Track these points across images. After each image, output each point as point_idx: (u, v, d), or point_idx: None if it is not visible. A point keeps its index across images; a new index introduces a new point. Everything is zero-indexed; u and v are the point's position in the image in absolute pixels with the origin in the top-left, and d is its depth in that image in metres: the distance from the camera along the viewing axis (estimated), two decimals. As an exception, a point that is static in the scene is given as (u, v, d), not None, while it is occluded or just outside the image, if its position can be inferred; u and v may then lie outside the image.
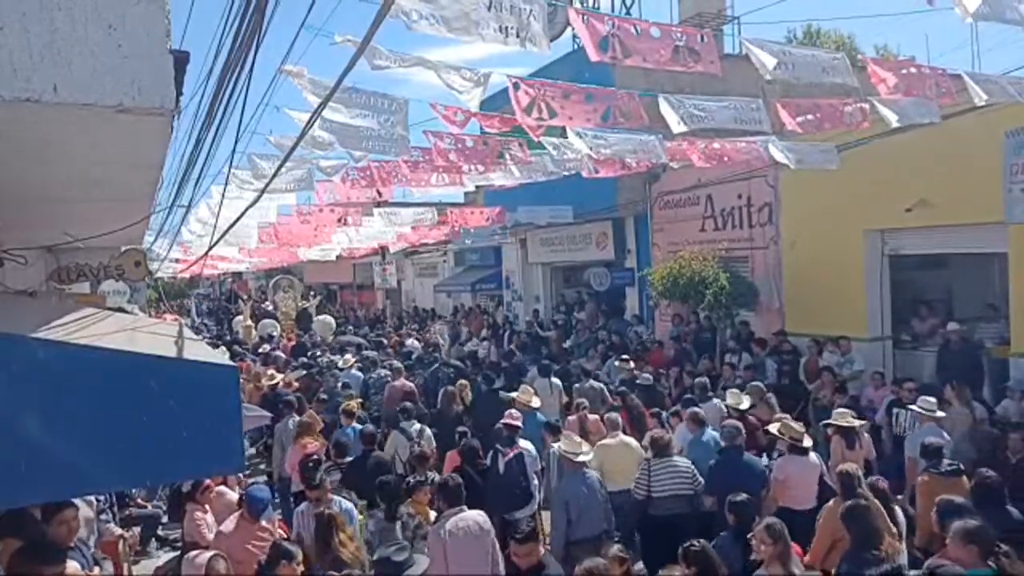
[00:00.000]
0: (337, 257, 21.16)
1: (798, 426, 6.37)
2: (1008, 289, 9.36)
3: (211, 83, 4.16)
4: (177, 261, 19.21)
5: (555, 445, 6.66)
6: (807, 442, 6.19)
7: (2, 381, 2.19)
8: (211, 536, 6.01)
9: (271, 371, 11.68)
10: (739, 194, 13.25)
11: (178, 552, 6.90)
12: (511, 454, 6.73)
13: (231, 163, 6.33)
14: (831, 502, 5.27)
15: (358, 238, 16.36)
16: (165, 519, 8.46)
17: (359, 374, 11.49)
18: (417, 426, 7.91)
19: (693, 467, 6.21)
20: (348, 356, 12.92)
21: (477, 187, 14.53)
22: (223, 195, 7.86)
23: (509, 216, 16.16)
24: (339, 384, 10.69)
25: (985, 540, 4.11)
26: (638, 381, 9.38)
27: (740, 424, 6.57)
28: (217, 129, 4.54)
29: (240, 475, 7.57)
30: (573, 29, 5.69)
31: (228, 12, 3.37)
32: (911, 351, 11.18)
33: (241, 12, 3.08)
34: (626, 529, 6.34)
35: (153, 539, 8.33)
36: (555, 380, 10.00)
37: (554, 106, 6.19)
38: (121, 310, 6.01)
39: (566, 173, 9.93)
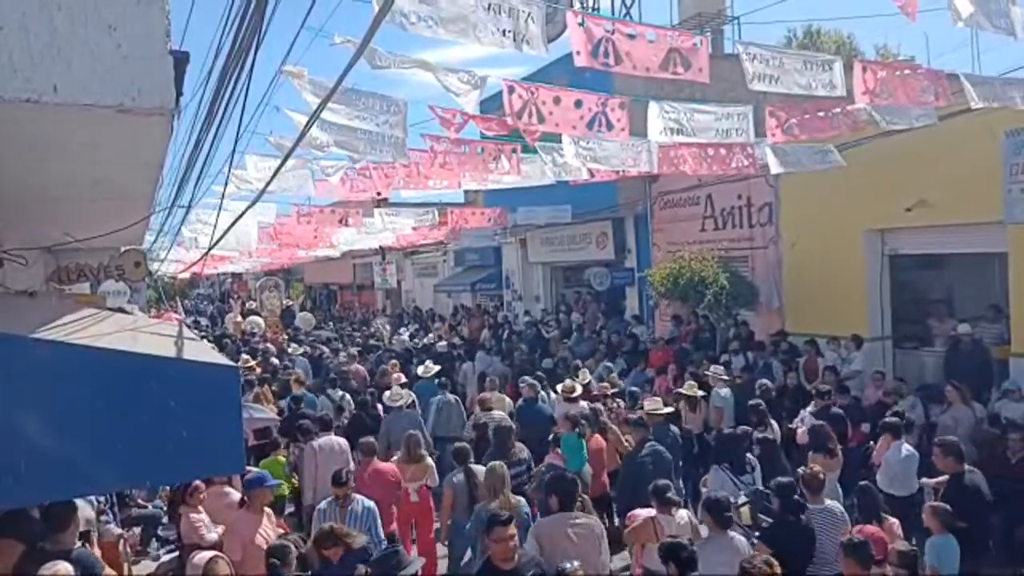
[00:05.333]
0: (339, 256, 21.96)
1: (577, 385, 9.07)
2: (1008, 289, 9.37)
3: (211, 83, 4.17)
4: (177, 261, 19.39)
5: (447, 396, 10.14)
6: (578, 392, 8.95)
7: (2, 381, 2.20)
8: (211, 536, 6.01)
9: (245, 356, 14.43)
10: (739, 194, 13.25)
11: (175, 553, 6.91)
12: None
13: (231, 163, 6.32)
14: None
15: (358, 238, 16.41)
16: (165, 519, 8.46)
17: (305, 360, 14.66)
18: (340, 392, 10.99)
19: (507, 416, 8.63)
20: (295, 345, 16.73)
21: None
22: (223, 195, 7.85)
23: (509, 217, 16.16)
24: (292, 365, 13.94)
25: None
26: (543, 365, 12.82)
27: (537, 383, 9.47)
28: (217, 129, 4.54)
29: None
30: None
31: (228, 12, 3.38)
32: (911, 351, 11.18)
33: (241, 12, 3.09)
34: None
35: (153, 539, 8.32)
36: (477, 364, 13.48)
37: (543, 112, 6.22)
38: (121, 310, 6.01)
39: (562, 180, 9.97)
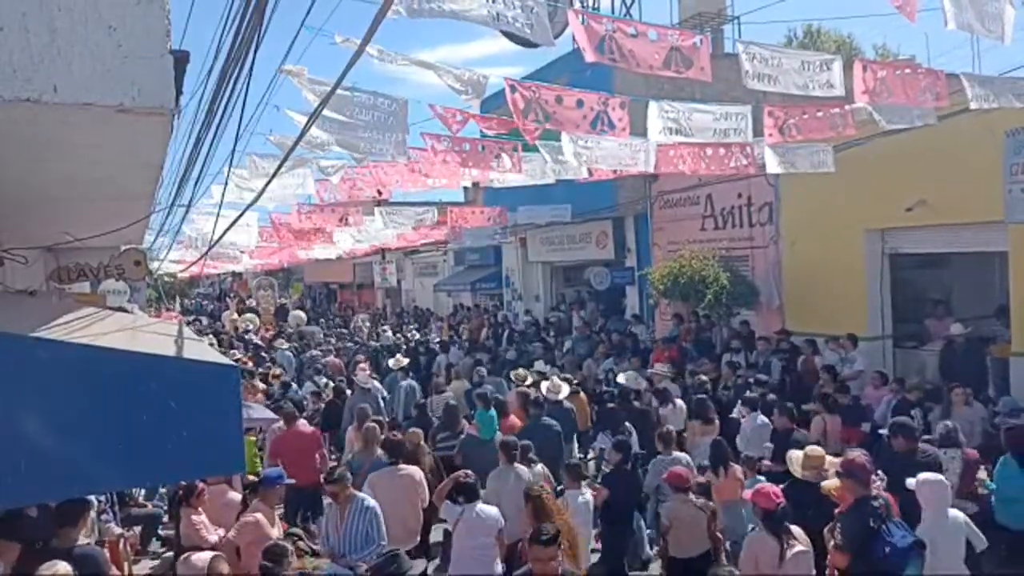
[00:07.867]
0: (336, 257, 22.46)
1: (529, 375, 10.60)
2: (1008, 289, 9.36)
3: (211, 83, 4.17)
4: (178, 261, 19.45)
5: (411, 382, 11.95)
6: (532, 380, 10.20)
7: (2, 380, 2.20)
8: (212, 538, 6.00)
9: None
10: (739, 193, 13.25)
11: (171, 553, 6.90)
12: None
13: (231, 163, 6.34)
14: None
15: (359, 237, 16.44)
16: (165, 519, 8.46)
17: (290, 355, 15.98)
18: (324, 380, 12.37)
19: (452, 395, 10.30)
20: (281, 340, 18.15)
21: (475, 184, 14.60)
22: (223, 195, 7.86)
23: (509, 216, 16.18)
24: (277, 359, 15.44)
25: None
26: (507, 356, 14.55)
27: (502, 380, 11.35)
28: (217, 129, 4.54)
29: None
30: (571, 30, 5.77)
31: (228, 12, 3.38)
32: (911, 350, 11.17)
33: (241, 12, 3.09)
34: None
35: (153, 539, 8.32)
36: (449, 358, 14.61)
37: (548, 110, 6.23)
38: (121, 309, 6.01)
39: (562, 178, 9.98)
